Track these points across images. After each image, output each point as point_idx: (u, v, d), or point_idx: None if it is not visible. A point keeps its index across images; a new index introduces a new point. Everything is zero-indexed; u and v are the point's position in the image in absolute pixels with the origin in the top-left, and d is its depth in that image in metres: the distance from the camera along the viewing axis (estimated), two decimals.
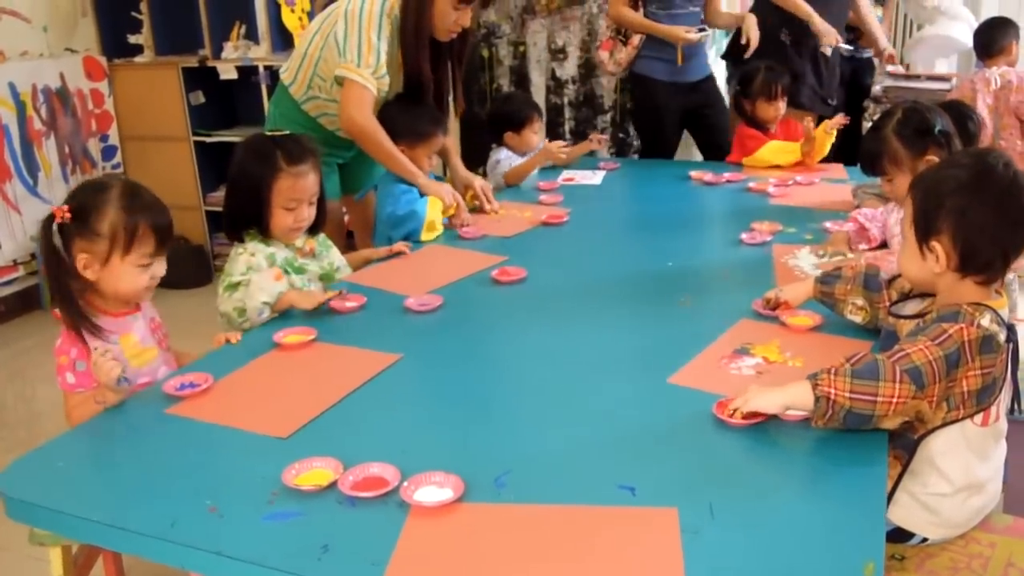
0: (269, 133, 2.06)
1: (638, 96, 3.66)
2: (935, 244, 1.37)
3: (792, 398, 1.31)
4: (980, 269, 1.37)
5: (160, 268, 1.66)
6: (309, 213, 2.00)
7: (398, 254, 2.27)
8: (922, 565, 1.38)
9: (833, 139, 3.14)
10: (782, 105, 3.22)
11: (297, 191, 1.95)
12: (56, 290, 1.60)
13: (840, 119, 3.10)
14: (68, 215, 1.57)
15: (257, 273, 1.91)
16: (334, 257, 2.17)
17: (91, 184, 1.65)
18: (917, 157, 1.99)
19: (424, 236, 2.42)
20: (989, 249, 1.35)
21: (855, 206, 2.49)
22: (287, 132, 2.07)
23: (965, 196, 1.35)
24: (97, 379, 1.51)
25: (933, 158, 1.97)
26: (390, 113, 2.54)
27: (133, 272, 1.61)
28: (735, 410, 1.34)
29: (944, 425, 1.34)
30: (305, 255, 2.07)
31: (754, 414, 1.34)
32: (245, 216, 1.97)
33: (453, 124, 3.09)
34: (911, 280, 1.49)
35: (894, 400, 1.25)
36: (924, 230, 1.39)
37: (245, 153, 1.99)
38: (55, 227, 1.58)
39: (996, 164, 1.36)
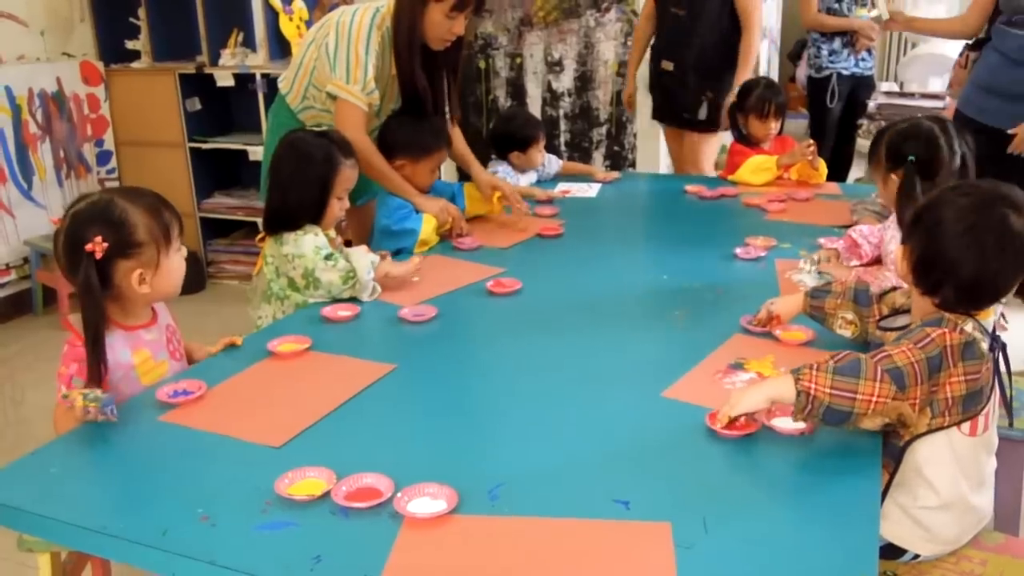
0: (309, 129, 2.20)
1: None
2: (901, 249, 1.42)
3: (775, 391, 1.33)
4: (929, 289, 1.39)
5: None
6: (347, 201, 2.15)
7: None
8: None
9: (823, 167, 3.15)
10: (774, 125, 3.21)
11: (351, 181, 2.12)
12: (94, 322, 1.50)
13: (811, 148, 3.10)
14: (105, 244, 1.50)
15: (348, 249, 2.10)
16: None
17: (91, 207, 1.54)
18: (888, 171, 2.12)
19: (417, 250, 2.43)
20: (940, 274, 1.36)
21: (853, 222, 2.51)
22: (323, 128, 2.19)
23: (945, 217, 1.36)
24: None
25: (894, 179, 2.08)
26: (391, 128, 2.55)
27: (177, 260, 1.63)
28: (726, 419, 1.35)
29: (930, 432, 1.34)
30: (336, 246, 2.12)
31: (747, 423, 1.35)
32: (304, 211, 2.05)
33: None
34: (897, 272, 1.52)
35: (873, 399, 1.26)
36: (903, 233, 1.45)
37: (300, 151, 2.07)
38: (94, 262, 1.50)
39: (996, 202, 1.35)
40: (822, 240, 2.36)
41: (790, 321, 1.77)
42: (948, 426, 1.34)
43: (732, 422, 1.35)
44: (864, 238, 2.21)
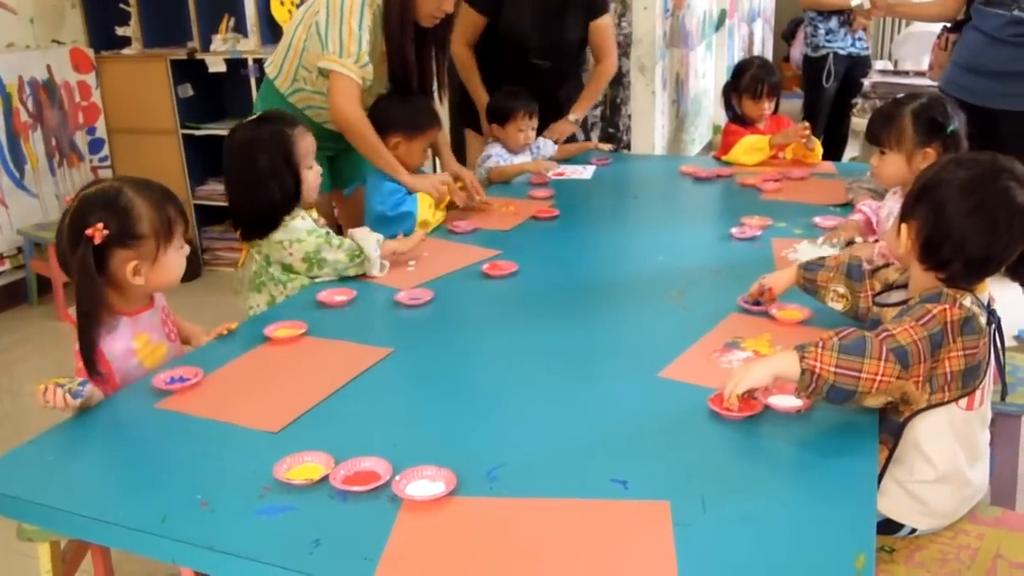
0: (248, 122, 2.06)
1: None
2: (903, 227, 1.41)
3: (779, 368, 1.31)
4: (936, 266, 1.39)
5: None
6: (318, 167, 2.12)
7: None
8: (912, 557, 1.39)
9: (819, 147, 3.13)
10: (768, 105, 3.20)
11: (311, 145, 2.07)
12: (89, 310, 1.51)
13: (805, 130, 3.08)
14: (105, 231, 1.51)
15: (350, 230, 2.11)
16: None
17: (100, 193, 1.55)
18: (919, 145, 2.05)
19: (418, 231, 2.43)
20: (950, 251, 1.36)
21: (848, 200, 2.51)
22: (258, 114, 2.12)
23: (949, 194, 1.36)
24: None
25: (932, 153, 2.01)
26: (387, 105, 2.54)
27: (178, 257, 1.63)
28: (735, 399, 1.33)
29: (930, 408, 1.35)
30: (321, 227, 2.11)
31: (750, 402, 1.36)
32: (289, 197, 2.01)
33: (444, 115, 3.07)
34: (888, 247, 1.52)
35: (878, 378, 1.26)
36: (903, 210, 1.43)
37: (254, 150, 1.99)
38: (91, 247, 1.50)
39: (999, 175, 1.35)
40: (817, 219, 2.36)
41: (782, 297, 1.77)
42: (948, 401, 1.35)
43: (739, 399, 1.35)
44: (874, 213, 2.20)
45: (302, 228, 2.01)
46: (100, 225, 1.50)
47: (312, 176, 2.07)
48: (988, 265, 1.38)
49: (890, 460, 1.39)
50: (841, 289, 1.65)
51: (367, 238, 2.04)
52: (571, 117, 3.30)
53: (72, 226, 1.53)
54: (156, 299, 1.71)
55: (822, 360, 1.27)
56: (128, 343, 1.60)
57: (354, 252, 2.02)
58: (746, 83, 3.19)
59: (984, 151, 1.44)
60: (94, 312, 1.52)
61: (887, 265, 1.65)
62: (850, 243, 2.15)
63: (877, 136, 2.13)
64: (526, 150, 3.12)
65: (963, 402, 1.36)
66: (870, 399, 1.30)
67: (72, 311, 1.56)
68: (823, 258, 1.74)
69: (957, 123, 2.02)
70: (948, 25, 3.35)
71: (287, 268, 2.04)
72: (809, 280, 1.71)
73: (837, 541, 1.06)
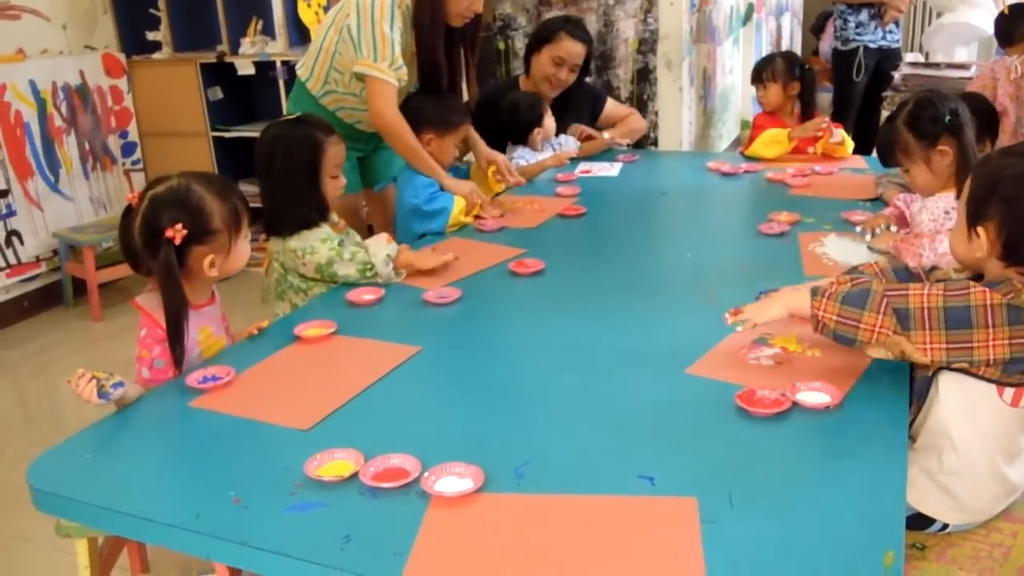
0: (284, 120, 2.12)
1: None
2: (980, 230, 1.38)
3: (795, 304, 1.47)
4: (1020, 261, 1.36)
5: None
6: (343, 179, 2.12)
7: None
8: (943, 554, 1.38)
9: (849, 141, 3.11)
10: (773, 88, 3.21)
11: (340, 156, 2.08)
12: (175, 303, 1.56)
13: (824, 123, 3.07)
14: (184, 231, 1.55)
15: (367, 239, 2.12)
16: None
17: (170, 193, 1.59)
18: (929, 147, 2.02)
19: (448, 229, 2.46)
20: None
21: (878, 195, 2.48)
22: (296, 115, 2.15)
23: (1019, 186, 1.34)
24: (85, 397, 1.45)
25: (946, 148, 1.98)
26: (418, 103, 2.55)
27: (244, 245, 1.68)
28: (751, 326, 1.49)
29: (961, 371, 1.35)
30: (340, 231, 2.12)
31: (778, 400, 1.36)
32: (304, 201, 2.03)
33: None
34: (957, 258, 1.50)
35: (876, 329, 1.34)
36: (973, 214, 1.40)
37: (284, 146, 2.03)
38: (172, 248, 1.55)
39: None
40: (844, 213, 2.34)
41: None
42: (981, 377, 1.34)
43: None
44: (908, 206, 2.19)
45: (315, 237, 2.01)
46: (179, 226, 1.55)
47: (333, 186, 2.07)
48: None
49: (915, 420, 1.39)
50: None
51: (379, 253, 2.02)
52: (607, 135, 3.37)
53: (146, 227, 1.57)
54: (216, 295, 1.75)
55: (825, 309, 1.38)
56: (192, 335, 1.64)
57: (366, 267, 2.00)
58: (753, 73, 3.24)
59: None
60: (183, 310, 1.57)
61: (935, 268, 1.63)
62: (888, 229, 2.14)
63: (888, 160, 2.15)
64: (548, 146, 3.13)
65: (1008, 395, 1.34)
66: (871, 349, 1.37)
67: (141, 299, 1.61)
68: (859, 267, 1.70)
69: (953, 109, 1.99)
70: None
71: (304, 276, 2.06)
72: None
73: (866, 538, 1.06)
